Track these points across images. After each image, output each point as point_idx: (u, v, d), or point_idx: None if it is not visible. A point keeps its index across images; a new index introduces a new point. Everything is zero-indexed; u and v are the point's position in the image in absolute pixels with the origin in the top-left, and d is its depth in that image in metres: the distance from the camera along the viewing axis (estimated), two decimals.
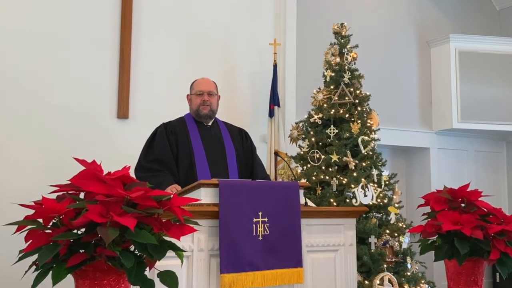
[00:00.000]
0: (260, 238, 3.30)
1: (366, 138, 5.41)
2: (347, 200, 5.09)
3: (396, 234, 5.13)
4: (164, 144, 4.12)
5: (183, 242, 2.85)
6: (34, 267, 2.35)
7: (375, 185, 5.22)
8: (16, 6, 5.31)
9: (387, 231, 5.11)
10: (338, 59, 5.68)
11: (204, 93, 4.24)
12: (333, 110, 5.49)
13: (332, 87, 5.62)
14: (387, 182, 5.41)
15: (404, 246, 5.14)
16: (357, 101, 5.55)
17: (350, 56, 5.70)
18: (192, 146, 4.14)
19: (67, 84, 5.43)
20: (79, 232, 2.35)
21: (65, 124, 5.37)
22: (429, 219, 3.70)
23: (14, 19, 5.29)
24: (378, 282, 4.50)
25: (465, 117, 7.79)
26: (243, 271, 3.19)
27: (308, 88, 6.00)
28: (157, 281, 2.43)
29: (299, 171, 5.46)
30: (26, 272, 2.41)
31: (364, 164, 5.32)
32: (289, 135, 5.81)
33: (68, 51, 5.48)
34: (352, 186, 5.13)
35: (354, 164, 5.27)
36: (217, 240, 3.19)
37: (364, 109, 5.60)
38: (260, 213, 3.32)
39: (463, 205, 3.69)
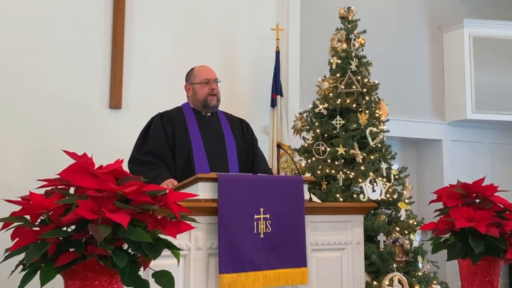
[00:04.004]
0: (262, 236, 3.29)
1: (375, 129, 5.40)
2: (354, 196, 5.08)
3: (406, 232, 5.12)
4: (159, 136, 4.11)
5: (179, 240, 2.86)
6: (21, 266, 2.35)
7: (384, 180, 5.22)
8: None
9: (397, 229, 5.11)
10: (344, 46, 5.67)
11: (210, 81, 4.23)
12: (339, 100, 5.48)
13: (338, 75, 5.60)
14: (396, 176, 5.40)
15: (415, 244, 5.13)
16: (365, 90, 5.53)
17: (358, 42, 5.68)
18: (190, 137, 4.13)
19: (57, 72, 5.42)
20: (69, 230, 2.35)
21: (54, 115, 5.37)
22: (442, 216, 3.70)
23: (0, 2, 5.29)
24: (387, 282, 4.50)
25: (480, 107, 7.78)
26: (243, 271, 3.19)
27: (312, 77, 5.98)
28: (152, 281, 2.43)
29: (303, 164, 5.45)
30: (12, 272, 2.41)
31: (372, 157, 5.32)
32: (292, 126, 5.80)
33: (58, 36, 5.46)
34: (360, 180, 5.12)
35: (361, 157, 5.26)
36: (216, 238, 3.18)
37: (373, 99, 5.59)
38: (261, 210, 3.31)
39: (477, 200, 3.69)
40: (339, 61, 5.62)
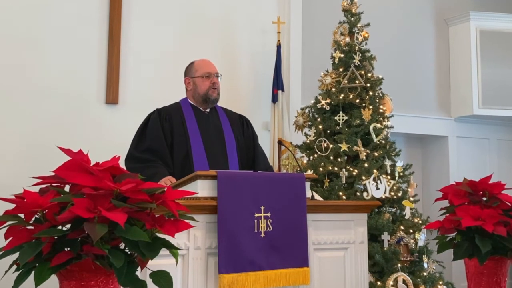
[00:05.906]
0: (262, 235, 3.29)
1: (379, 125, 5.40)
2: (358, 194, 5.08)
3: (411, 231, 5.12)
4: (157, 132, 4.11)
5: (178, 239, 2.84)
6: (15, 266, 2.35)
7: (388, 177, 5.21)
8: None
9: (402, 228, 5.10)
10: (347, 39, 5.66)
11: (212, 75, 4.23)
12: (342, 95, 5.47)
13: (341, 69, 5.60)
14: (401, 174, 5.40)
15: (420, 243, 5.13)
16: (368, 85, 5.53)
17: (361, 35, 5.67)
18: (189, 134, 4.13)
19: (52, 67, 5.42)
20: (64, 229, 2.35)
21: (49, 110, 5.36)
22: (448, 214, 3.69)
23: None
24: (391, 283, 4.50)
25: (487, 103, 7.77)
26: (243, 271, 3.19)
27: (314, 71, 5.98)
28: (149, 282, 2.43)
29: (305, 161, 5.45)
30: (6, 272, 2.40)
31: (376, 154, 5.31)
32: (294, 122, 5.79)
33: (53, 30, 5.46)
34: (363, 178, 5.12)
35: (365, 154, 5.26)
36: (215, 237, 3.18)
37: (376, 94, 5.59)
38: (262, 208, 3.31)
39: (484, 198, 3.68)
40: (342, 55, 5.61)
